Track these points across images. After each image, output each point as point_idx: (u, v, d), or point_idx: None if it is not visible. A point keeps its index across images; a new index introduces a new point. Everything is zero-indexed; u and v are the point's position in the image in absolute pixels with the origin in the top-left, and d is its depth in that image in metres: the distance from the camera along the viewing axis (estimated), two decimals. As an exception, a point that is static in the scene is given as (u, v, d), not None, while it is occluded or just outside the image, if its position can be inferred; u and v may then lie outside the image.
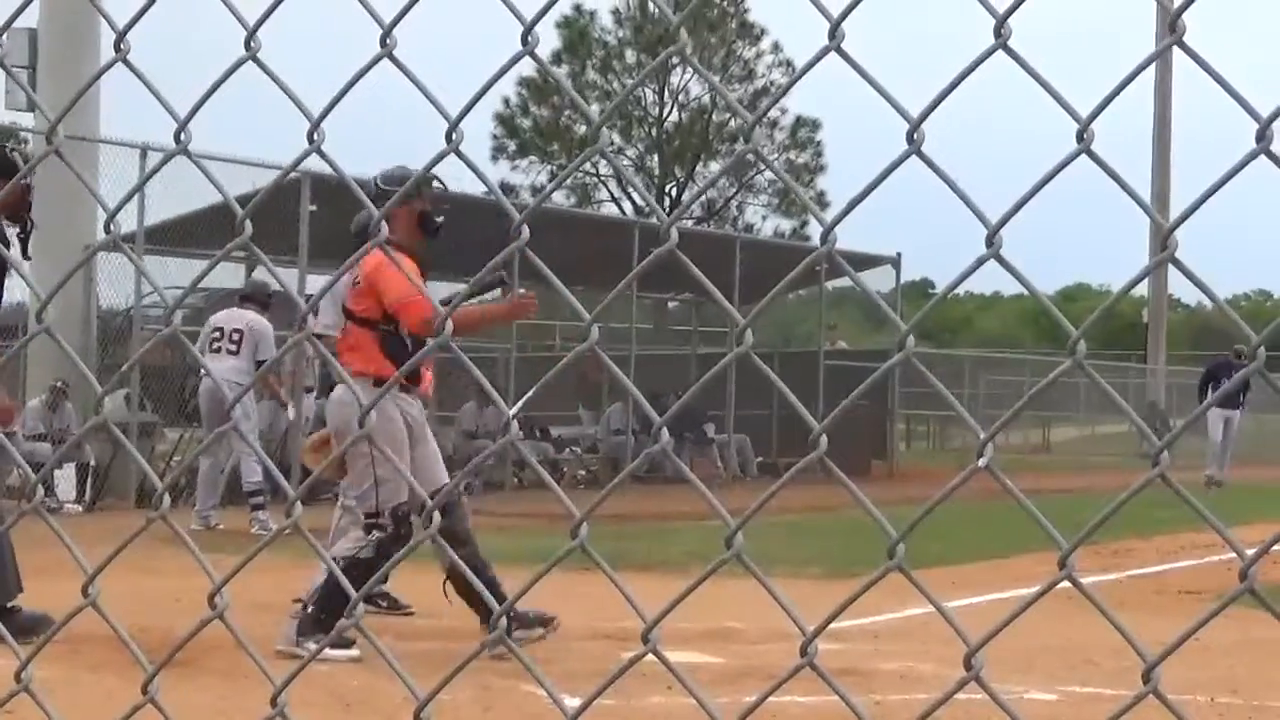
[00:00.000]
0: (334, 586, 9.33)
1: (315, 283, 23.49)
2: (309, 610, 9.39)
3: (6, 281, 9.91)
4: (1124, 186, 2.00)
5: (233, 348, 18.36)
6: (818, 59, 2.12)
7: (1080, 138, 1.98)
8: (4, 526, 8.64)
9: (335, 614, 9.37)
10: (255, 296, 19.00)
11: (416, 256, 9.30)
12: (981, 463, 2.06)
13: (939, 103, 2.06)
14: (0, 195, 8.29)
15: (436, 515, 2.41)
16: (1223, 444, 31.99)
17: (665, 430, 2.26)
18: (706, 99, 61.63)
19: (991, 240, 2.03)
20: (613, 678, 2.37)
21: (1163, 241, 1.95)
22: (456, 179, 21.66)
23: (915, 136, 2.05)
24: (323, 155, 2.40)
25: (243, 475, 18.65)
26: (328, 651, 8.72)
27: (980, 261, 2.05)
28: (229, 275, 25.52)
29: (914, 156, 2.08)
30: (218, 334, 18.49)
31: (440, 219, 9.82)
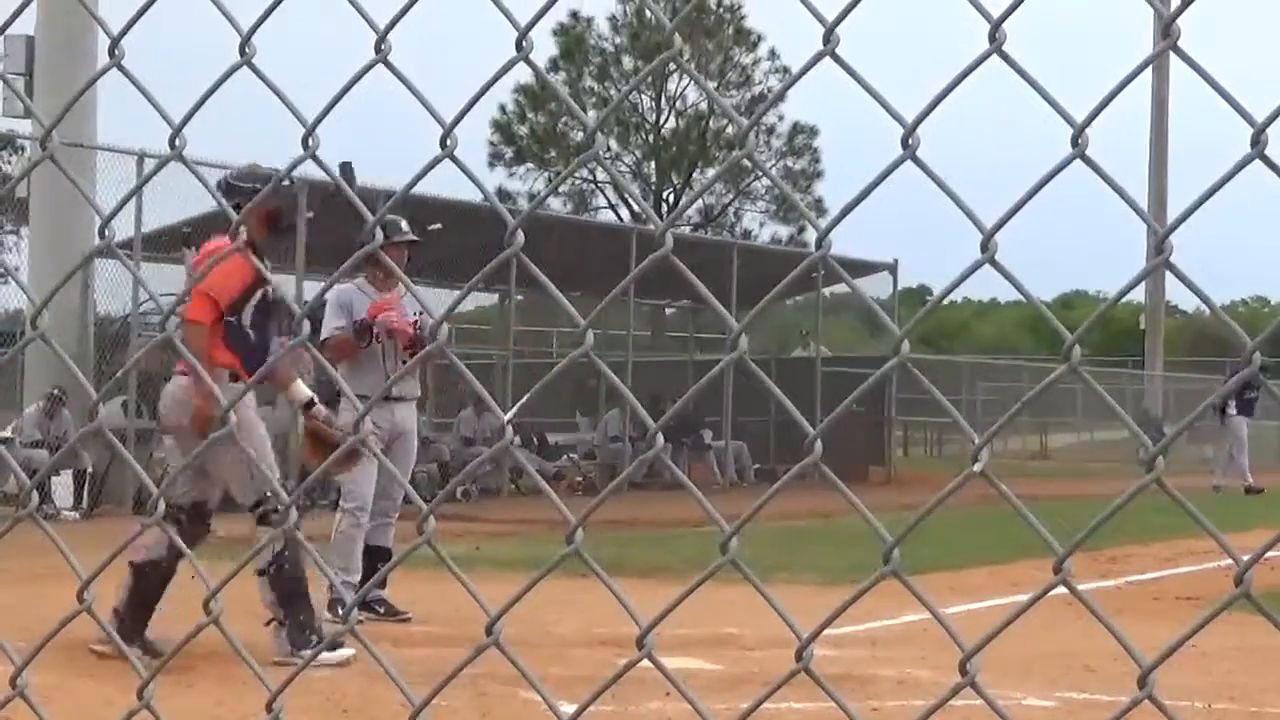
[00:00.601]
0: (286, 592, 9.31)
1: (312, 288, 23.51)
2: (286, 622, 9.33)
3: None
4: (1118, 191, 1.99)
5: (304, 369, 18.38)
6: (812, 64, 2.11)
7: (1075, 142, 1.97)
8: None
9: (310, 612, 9.36)
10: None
11: (260, 253, 9.45)
12: (976, 468, 2.06)
13: (934, 107, 2.06)
14: None
15: (432, 522, 2.40)
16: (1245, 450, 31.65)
17: (660, 435, 2.25)
18: (704, 105, 61.61)
19: (986, 245, 2.02)
20: (607, 684, 2.37)
21: (1158, 246, 1.95)
22: (452, 185, 21.73)
23: (910, 141, 2.05)
24: (318, 161, 2.40)
25: None
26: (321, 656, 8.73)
27: (975, 266, 2.04)
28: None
29: (909, 162, 2.08)
30: None
31: (289, 220, 10.02)
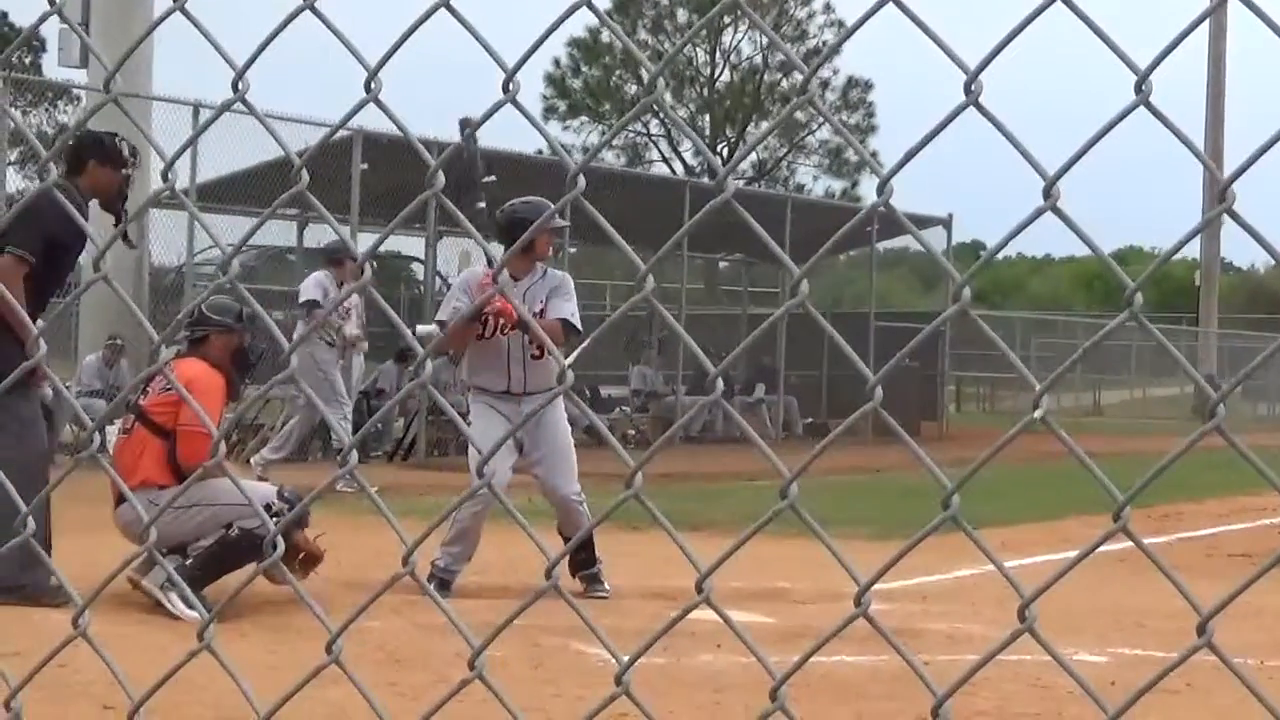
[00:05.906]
0: (230, 552, 9.29)
1: (365, 240, 23.59)
2: (198, 569, 9.22)
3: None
4: (1182, 139, 1.99)
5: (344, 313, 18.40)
6: (876, 9, 2.11)
7: (1139, 89, 1.96)
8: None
9: (201, 583, 9.16)
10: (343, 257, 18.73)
11: (232, 382, 9.91)
12: (1038, 414, 2.06)
13: (996, 54, 2.05)
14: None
15: (494, 474, 2.41)
16: None
17: (720, 381, 2.26)
18: (758, 59, 61.48)
19: (1049, 192, 2.01)
20: (666, 627, 2.38)
21: (1220, 194, 1.94)
22: (503, 137, 21.76)
23: (973, 88, 2.05)
24: (380, 105, 2.41)
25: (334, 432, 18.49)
26: (182, 609, 8.98)
27: (1037, 213, 2.03)
28: (279, 233, 25.64)
29: (962, 118, 2.07)
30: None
31: (255, 357, 10.40)
